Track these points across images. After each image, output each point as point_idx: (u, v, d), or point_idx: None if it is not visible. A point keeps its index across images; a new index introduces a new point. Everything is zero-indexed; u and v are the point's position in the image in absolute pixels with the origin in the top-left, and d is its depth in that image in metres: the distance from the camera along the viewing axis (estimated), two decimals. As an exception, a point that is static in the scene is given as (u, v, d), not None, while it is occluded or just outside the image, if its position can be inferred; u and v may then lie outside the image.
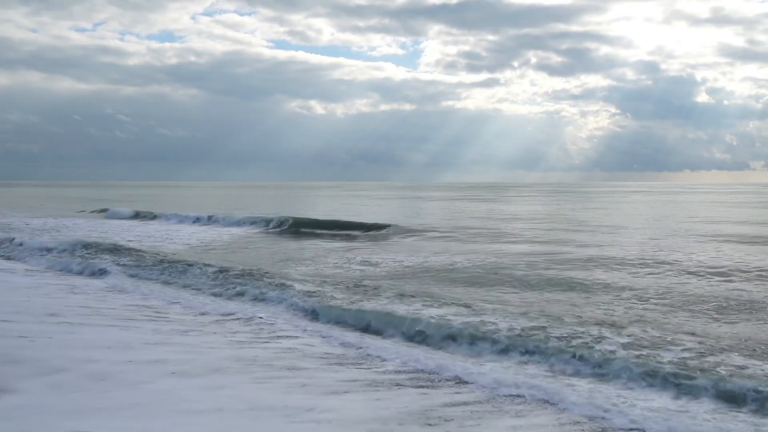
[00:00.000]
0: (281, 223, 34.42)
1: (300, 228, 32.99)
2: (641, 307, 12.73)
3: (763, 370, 8.48)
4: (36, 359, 8.96)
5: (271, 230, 33.33)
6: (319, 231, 31.85)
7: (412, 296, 13.91)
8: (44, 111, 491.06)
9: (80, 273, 18.10)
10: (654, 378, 7.97)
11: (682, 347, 9.52)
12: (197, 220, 38.51)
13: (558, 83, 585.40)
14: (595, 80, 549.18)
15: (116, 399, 7.40)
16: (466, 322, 11.02)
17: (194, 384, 8.08)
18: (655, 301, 13.24)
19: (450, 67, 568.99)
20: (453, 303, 13.08)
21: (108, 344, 9.98)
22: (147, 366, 8.80)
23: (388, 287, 15.13)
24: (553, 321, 11.44)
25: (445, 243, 25.19)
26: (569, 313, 12.15)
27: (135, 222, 40.21)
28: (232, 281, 16.10)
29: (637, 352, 9.22)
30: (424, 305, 12.81)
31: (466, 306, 12.75)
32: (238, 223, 36.21)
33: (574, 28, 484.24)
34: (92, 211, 50.34)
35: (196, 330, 11.21)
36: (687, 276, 16.13)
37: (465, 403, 7.47)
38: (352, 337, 10.62)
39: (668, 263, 18.17)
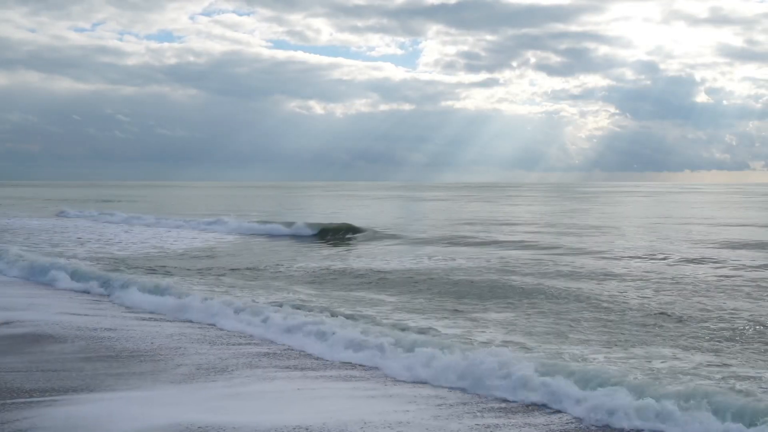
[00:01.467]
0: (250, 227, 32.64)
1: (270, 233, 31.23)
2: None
3: None
4: (144, 351, 9.52)
5: (242, 235, 30.92)
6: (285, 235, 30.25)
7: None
8: (43, 111, 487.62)
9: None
10: None
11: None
12: (157, 222, 37.37)
13: (557, 83, 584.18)
14: (594, 80, 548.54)
15: (245, 389, 7.83)
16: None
17: (313, 374, 8.59)
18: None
19: (449, 67, 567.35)
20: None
21: (205, 339, 10.46)
22: (258, 359, 9.29)
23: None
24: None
25: (409, 248, 24.10)
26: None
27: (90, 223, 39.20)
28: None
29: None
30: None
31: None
32: (204, 227, 33.91)
33: (573, 28, 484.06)
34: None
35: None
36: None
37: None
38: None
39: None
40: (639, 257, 20.21)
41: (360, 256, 22.21)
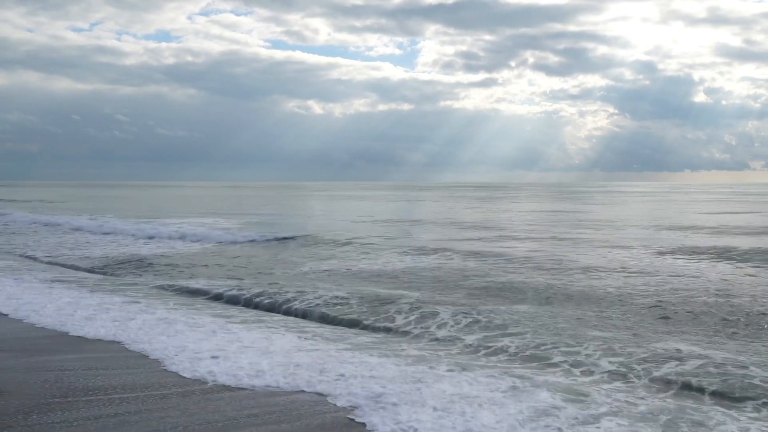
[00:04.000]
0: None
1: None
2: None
3: None
4: None
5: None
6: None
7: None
8: (42, 111, 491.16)
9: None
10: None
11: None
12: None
13: (556, 83, 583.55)
14: (593, 80, 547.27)
15: None
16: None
17: None
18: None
19: (447, 67, 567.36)
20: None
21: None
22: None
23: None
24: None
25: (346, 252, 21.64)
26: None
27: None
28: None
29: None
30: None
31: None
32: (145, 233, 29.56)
33: (571, 28, 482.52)
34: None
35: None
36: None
37: None
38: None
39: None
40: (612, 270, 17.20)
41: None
